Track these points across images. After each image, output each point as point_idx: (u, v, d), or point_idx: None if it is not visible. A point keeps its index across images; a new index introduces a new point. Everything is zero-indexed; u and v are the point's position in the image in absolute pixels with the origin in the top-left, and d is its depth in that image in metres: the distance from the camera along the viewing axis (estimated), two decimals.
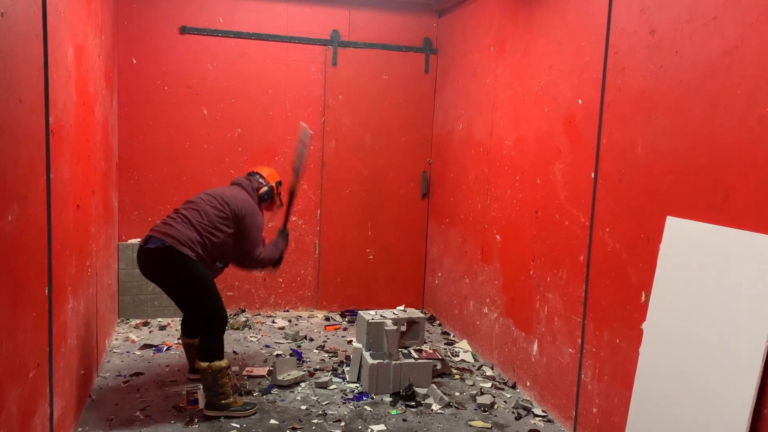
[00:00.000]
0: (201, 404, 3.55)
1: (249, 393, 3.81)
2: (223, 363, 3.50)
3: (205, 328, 3.54)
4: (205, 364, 3.46)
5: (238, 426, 3.39)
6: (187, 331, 3.97)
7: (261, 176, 3.97)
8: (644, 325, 2.83)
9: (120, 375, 4.03)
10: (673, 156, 2.74)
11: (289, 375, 3.99)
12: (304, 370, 4.15)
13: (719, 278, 2.44)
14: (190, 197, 3.80)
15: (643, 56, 2.94)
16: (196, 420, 3.41)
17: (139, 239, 5.08)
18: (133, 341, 4.70)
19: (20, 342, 2.19)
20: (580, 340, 3.40)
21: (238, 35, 5.31)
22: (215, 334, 3.53)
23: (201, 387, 3.60)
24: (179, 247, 3.43)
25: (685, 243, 2.63)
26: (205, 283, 3.53)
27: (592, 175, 3.32)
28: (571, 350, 3.50)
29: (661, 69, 2.82)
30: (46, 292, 2.56)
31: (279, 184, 4.03)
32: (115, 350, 4.49)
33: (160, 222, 3.61)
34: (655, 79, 2.85)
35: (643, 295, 2.88)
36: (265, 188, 3.91)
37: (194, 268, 3.48)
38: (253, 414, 3.54)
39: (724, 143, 2.46)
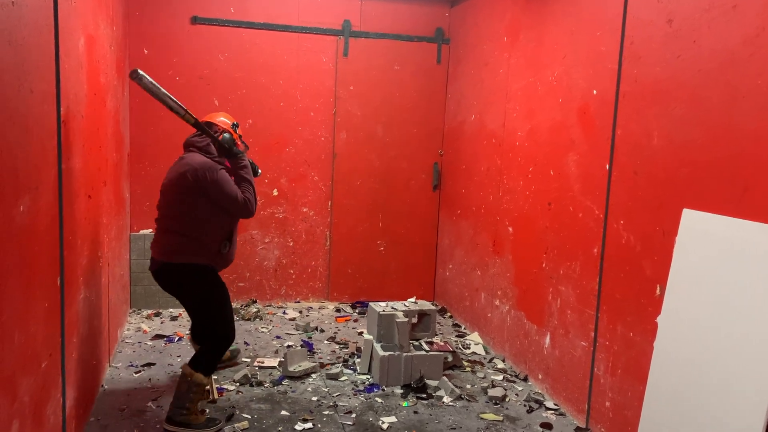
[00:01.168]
0: (212, 396, 3.56)
1: (260, 384, 3.81)
2: (205, 380, 3.27)
3: (209, 339, 3.35)
4: (188, 370, 3.25)
5: (249, 417, 3.39)
6: (196, 336, 3.71)
7: (213, 125, 3.49)
8: (659, 319, 2.80)
9: (132, 365, 4.04)
10: (690, 147, 2.69)
11: (300, 366, 3.99)
12: (315, 362, 4.15)
13: (737, 271, 2.40)
14: None
15: (660, 45, 2.89)
16: (207, 411, 3.42)
17: (151, 230, 5.10)
18: (145, 332, 4.71)
19: (32, 332, 2.19)
20: (593, 334, 3.37)
21: (250, 25, 5.28)
22: (216, 349, 3.34)
23: (213, 377, 3.61)
24: (175, 260, 3.25)
25: (702, 236, 2.59)
26: (215, 297, 3.34)
27: (607, 166, 3.27)
28: (583, 343, 3.47)
29: (678, 59, 2.77)
30: (58, 282, 2.56)
31: (236, 126, 3.57)
32: (126, 340, 4.51)
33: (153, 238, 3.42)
34: (672, 68, 2.80)
35: (658, 288, 2.85)
36: (222, 136, 3.44)
37: (202, 279, 3.29)
38: (217, 429, 3.25)
39: (743, 134, 2.41)
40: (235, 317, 5.13)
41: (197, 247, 3.27)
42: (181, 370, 3.44)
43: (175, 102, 3.24)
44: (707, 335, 2.50)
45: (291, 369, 3.94)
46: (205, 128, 3.38)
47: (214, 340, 3.33)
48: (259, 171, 3.71)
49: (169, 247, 3.26)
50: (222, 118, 3.57)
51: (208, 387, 3.53)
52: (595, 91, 3.40)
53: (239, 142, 3.57)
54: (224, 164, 3.41)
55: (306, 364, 4.03)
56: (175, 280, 3.33)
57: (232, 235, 3.44)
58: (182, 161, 3.35)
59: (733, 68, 2.47)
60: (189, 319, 4.64)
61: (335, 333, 4.92)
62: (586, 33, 3.50)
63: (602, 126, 3.33)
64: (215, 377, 3.85)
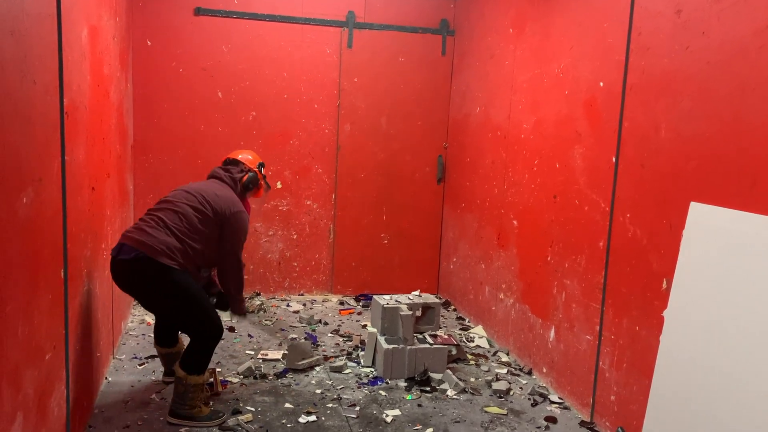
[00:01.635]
0: (216, 388, 3.56)
1: (264, 377, 3.81)
2: (201, 379, 3.19)
3: (195, 339, 3.20)
4: (182, 374, 3.16)
5: (253, 409, 3.39)
6: (161, 340, 3.64)
7: (240, 163, 3.58)
8: (665, 313, 2.78)
9: (136, 357, 4.05)
10: (698, 140, 2.66)
11: (303, 359, 3.98)
12: (319, 354, 4.15)
13: (744, 265, 2.37)
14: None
15: (668, 37, 2.85)
16: (211, 403, 3.41)
17: None
18: (149, 324, 4.72)
19: (36, 324, 2.18)
20: (598, 327, 3.35)
21: (253, 17, 5.26)
22: (204, 348, 3.20)
23: (215, 369, 3.61)
24: (158, 258, 3.04)
25: (709, 229, 2.57)
26: (194, 295, 3.15)
27: (613, 159, 3.25)
28: (589, 337, 3.45)
29: (687, 50, 2.73)
30: (62, 274, 2.56)
31: (261, 165, 3.66)
32: (130, 333, 4.51)
33: (132, 226, 3.22)
34: (681, 60, 2.77)
35: (665, 282, 2.83)
36: (248, 175, 3.55)
37: (178, 280, 3.10)
38: (221, 422, 3.22)
39: (752, 127, 2.38)
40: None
41: (188, 259, 3.17)
42: (172, 374, 3.46)
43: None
44: (714, 329, 2.48)
45: (297, 363, 3.93)
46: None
47: (202, 339, 3.18)
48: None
49: (163, 246, 3.07)
50: (247, 156, 3.66)
51: (211, 379, 3.53)
52: (601, 83, 3.37)
53: (262, 182, 3.67)
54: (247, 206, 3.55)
55: (309, 357, 4.02)
56: (151, 280, 3.08)
57: (212, 270, 3.49)
58: (216, 186, 3.40)
59: (743, 60, 2.43)
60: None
61: (339, 326, 4.92)
62: (593, 24, 3.47)
63: (609, 118, 3.30)
64: (219, 369, 3.86)
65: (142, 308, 5.02)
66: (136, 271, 3.07)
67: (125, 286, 3.20)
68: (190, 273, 3.20)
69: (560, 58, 3.81)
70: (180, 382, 3.18)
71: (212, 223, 3.26)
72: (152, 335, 4.45)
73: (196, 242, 3.20)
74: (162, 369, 3.78)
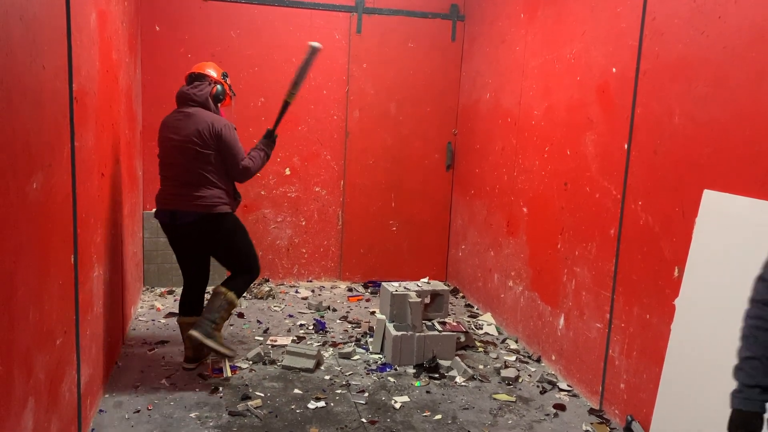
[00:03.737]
0: (226, 373, 3.58)
1: (273, 363, 3.83)
2: (236, 302, 3.60)
3: (241, 272, 3.67)
4: (223, 289, 3.56)
5: (262, 395, 3.40)
6: (187, 309, 3.75)
7: (205, 77, 3.62)
8: (677, 301, 2.76)
9: (146, 343, 4.07)
10: (712, 126, 2.63)
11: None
12: (315, 350, 4.14)
13: (758, 254, 2.34)
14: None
15: (684, 21, 2.81)
16: (220, 389, 3.43)
17: None
18: (159, 309, 4.74)
19: (47, 310, 2.19)
20: (608, 315, 3.34)
21: (262, 2, 5.22)
22: (248, 279, 3.68)
23: (226, 357, 3.64)
24: (217, 210, 3.48)
25: (723, 217, 2.54)
26: (246, 232, 3.70)
27: (626, 146, 3.21)
28: (598, 325, 3.44)
29: (702, 35, 2.69)
30: (72, 260, 2.56)
31: (225, 75, 3.73)
32: (140, 318, 4.54)
33: (166, 192, 3.55)
34: (696, 45, 2.73)
35: (676, 270, 2.80)
36: (216, 88, 3.61)
37: (234, 221, 3.61)
38: (232, 357, 3.68)
39: None
40: (248, 296, 5.17)
41: (226, 196, 3.55)
42: (192, 361, 3.67)
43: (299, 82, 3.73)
44: (726, 318, 2.45)
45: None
46: (285, 108, 3.75)
47: (247, 270, 3.67)
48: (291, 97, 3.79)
49: (204, 200, 3.46)
50: (210, 71, 3.67)
51: (224, 351, 3.55)
52: (614, 69, 3.33)
53: (228, 92, 3.75)
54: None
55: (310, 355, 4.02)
56: (214, 230, 3.52)
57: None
58: (195, 117, 3.50)
59: (761, 45, 2.39)
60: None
61: (347, 312, 4.93)
62: (606, 9, 3.42)
63: (621, 104, 3.26)
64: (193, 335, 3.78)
65: (152, 294, 5.06)
66: (204, 228, 3.50)
67: (188, 246, 3.62)
68: (233, 210, 3.64)
69: (572, 43, 3.76)
70: (218, 296, 3.54)
71: (210, 148, 3.48)
72: (162, 320, 4.49)
73: (222, 176, 3.54)
74: (182, 352, 3.87)
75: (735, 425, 1.68)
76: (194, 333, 3.45)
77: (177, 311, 4.65)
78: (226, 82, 3.71)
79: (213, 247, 3.66)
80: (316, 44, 3.75)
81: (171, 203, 3.51)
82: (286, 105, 3.74)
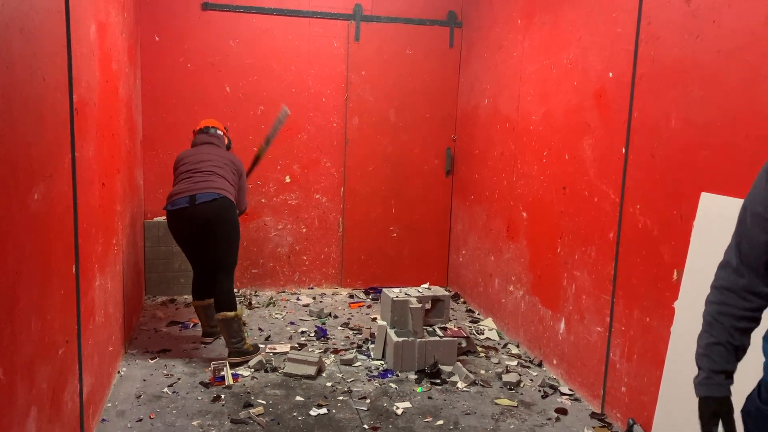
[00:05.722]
0: (228, 380, 3.58)
1: (274, 370, 3.83)
2: (240, 311, 3.90)
3: (222, 280, 3.86)
4: (231, 314, 3.81)
5: (264, 402, 3.41)
6: (199, 293, 4.17)
7: (218, 129, 4.22)
8: (676, 304, 2.77)
9: (147, 352, 4.08)
10: (709, 129, 2.64)
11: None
12: (316, 358, 4.15)
13: None
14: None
15: (678, 26, 2.83)
16: (222, 396, 3.44)
17: (163, 218, 5.11)
18: (160, 318, 4.75)
19: (49, 319, 2.20)
20: (608, 319, 3.34)
21: (261, 11, 5.25)
22: (231, 284, 3.91)
23: (227, 363, 3.66)
24: (232, 198, 3.88)
25: (721, 220, 2.55)
26: (238, 241, 4.00)
27: (623, 150, 3.23)
28: (599, 329, 3.44)
29: (697, 39, 2.71)
30: (74, 270, 2.57)
31: (226, 129, 4.41)
32: (142, 327, 4.55)
33: (187, 183, 3.85)
34: (691, 49, 2.74)
35: (675, 273, 2.81)
36: (227, 140, 4.26)
37: (238, 225, 3.96)
38: (258, 353, 3.96)
39: (764, 116, 2.36)
40: (249, 302, 5.18)
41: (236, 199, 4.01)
42: (220, 318, 3.86)
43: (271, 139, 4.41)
44: None
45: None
46: (255, 162, 4.47)
47: (231, 273, 3.93)
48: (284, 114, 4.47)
49: (225, 190, 3.84)
50: (218, 124, 4.27)
51: (223, 372, 3.57)
52: (611, 74, 3.35)
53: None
54: None
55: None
56: (226, 217, 3.83)
57: None
58: (222, 149, 4.10)
59: (754, 48, 2.41)
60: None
61: (349, 319, 4.93)
62: (602, 14, 3.44)
63: (618, 109, 3.28)
64: (233, 361, 3.88)
65: (153, 303, 5.07)
66: (219, 212, 3.78)
67: (200, 228, 3.81)
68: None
69: (569, 48, 3.78)
70: (231, 322, 3.82)
71: (236, 177, 4.03)
72: (164, 329, 4.50)
73: (235, 193, 4.00)
74: (200, 329, 4.40)
75: (709, 412, 1.68)
76: (233, 360, 3.82)
77: (179, 320, 4.68)
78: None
79: (217, 236, 3.85)
80: (286, 109, 4.47)
81: (192, 189, 3.80)
82: (257, 158, 4.42)
